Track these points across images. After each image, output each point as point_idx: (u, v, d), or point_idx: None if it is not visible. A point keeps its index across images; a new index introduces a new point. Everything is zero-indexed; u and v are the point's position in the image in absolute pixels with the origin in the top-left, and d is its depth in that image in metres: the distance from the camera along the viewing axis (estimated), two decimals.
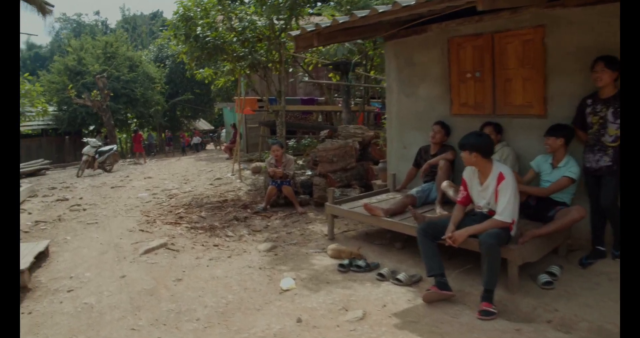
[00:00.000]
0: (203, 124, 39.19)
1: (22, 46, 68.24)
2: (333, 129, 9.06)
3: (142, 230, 6.40)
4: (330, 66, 12.70)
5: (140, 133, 22.99)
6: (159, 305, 3.90)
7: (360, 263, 4.55)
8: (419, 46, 6.02)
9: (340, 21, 5.15)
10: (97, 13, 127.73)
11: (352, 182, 7.38)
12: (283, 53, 10.49)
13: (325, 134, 8.63)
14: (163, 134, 32.04)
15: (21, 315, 3.87)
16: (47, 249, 5.50)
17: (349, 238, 5.63)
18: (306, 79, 12.59)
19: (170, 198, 8.84)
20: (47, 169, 17.65)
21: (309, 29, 5.69)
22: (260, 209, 7.19)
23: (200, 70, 13.45)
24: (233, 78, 13.05)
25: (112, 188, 10.99)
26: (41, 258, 5.26)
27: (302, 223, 6.46)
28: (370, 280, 4.25)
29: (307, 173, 8.19)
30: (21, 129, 24.01)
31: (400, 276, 4.13)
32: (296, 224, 6.45)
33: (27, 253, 4.91)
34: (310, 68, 13.55)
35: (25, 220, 7.40)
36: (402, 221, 4.74)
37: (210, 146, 32.83)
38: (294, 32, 6.00)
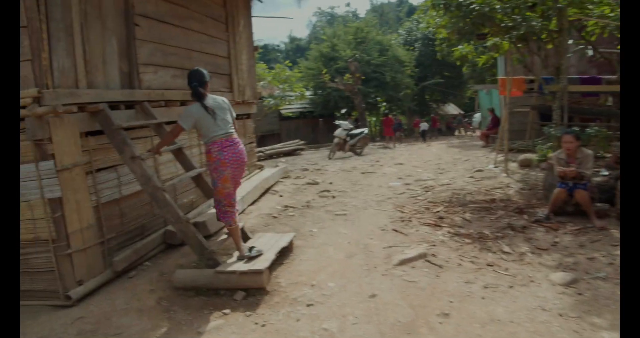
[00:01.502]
0: (452, 109, 37.62)
1: (285, 39, 76.93)
2: None
3: (396, 230, 5.50)
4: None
5: (391, 116, 22.68)
6: None
7: None
8: None
9: None
10: (348, 4, 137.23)
11: None
12: (564, 20, 8.47)
13: None
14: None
15: (254, 326, 3.40)
16: (291, 243, 5.03)
17: None
18: (590, 52, 10.16)
19: (426, 191, 7.77)
20: (302, 149, 18.60)
21: None
22: (542, 217, 5.58)
23: (459, 46, 12.07)
24: (497, 54, 11.34)
25: (362, 173, 10.56)
26: (284, 253, 4.80)
27: (605, 245, 4.68)
28: None
29: (602, 173, 6.26)
30: (282, 112, 26.17)
31: None
32: (596, 245, 4.71)
33: (270, 248, 4.50)
34: (592, 38, 10.99)
35: (275, 204, 7.27)
36: None
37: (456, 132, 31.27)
38: None
